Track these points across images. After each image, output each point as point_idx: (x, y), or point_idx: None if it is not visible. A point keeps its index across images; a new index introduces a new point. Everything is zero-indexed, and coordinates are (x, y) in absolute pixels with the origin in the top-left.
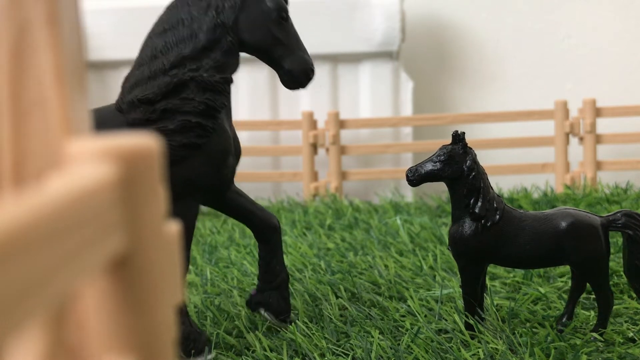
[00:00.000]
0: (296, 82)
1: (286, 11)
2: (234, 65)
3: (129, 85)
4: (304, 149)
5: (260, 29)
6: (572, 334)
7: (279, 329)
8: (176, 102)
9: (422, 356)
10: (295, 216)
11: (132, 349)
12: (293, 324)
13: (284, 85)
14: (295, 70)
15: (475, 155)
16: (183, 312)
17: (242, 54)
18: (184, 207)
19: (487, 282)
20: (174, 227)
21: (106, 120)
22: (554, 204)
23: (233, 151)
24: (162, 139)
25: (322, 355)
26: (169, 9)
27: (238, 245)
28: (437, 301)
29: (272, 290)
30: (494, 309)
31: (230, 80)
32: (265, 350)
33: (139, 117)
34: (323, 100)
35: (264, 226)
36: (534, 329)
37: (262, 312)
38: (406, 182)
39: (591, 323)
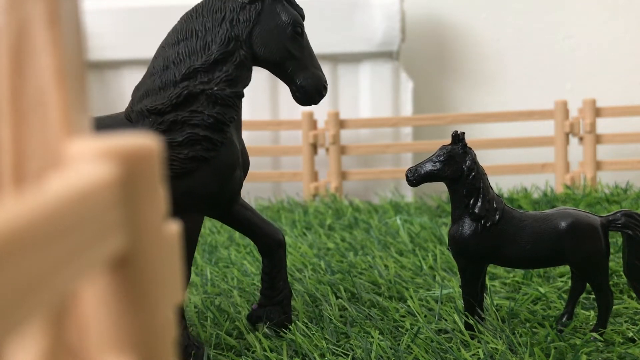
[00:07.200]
0: (308, 99)
1: (301, 26)
2: (246, 79)
3: (139, 94)
4: (304, 149)
5: (274, 43)
6: (572, 334)
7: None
8: (185, 114)
9: (422, 356)
10: (295, 216)
11: (132, 348)
12: (293, 324)
13: (296, 101)
14: (307, 86)
15: (475, 155)
16: (182, 325)
17: None
18: (189, 219)
19: (487, 282)
20: (174, 227)
21: (114, 128)
22: (554, 204)
23: (241, 165)
24: (170, 151)
25: (322, 355)
26: (183, 20)
27: (238, 245)
28: (437, 301)
29: (274, 305)
30: (494, 309)
31: (242, 95)
32: (265, 350)
33: (147, 128)
34: (323, 100)
35: (269, 241)
36: (534, 329)
37: (263, 325)
38: (406, 182)
39: (591, 323)
